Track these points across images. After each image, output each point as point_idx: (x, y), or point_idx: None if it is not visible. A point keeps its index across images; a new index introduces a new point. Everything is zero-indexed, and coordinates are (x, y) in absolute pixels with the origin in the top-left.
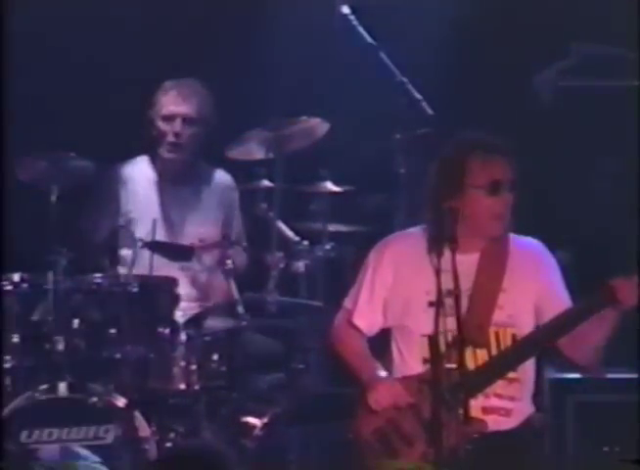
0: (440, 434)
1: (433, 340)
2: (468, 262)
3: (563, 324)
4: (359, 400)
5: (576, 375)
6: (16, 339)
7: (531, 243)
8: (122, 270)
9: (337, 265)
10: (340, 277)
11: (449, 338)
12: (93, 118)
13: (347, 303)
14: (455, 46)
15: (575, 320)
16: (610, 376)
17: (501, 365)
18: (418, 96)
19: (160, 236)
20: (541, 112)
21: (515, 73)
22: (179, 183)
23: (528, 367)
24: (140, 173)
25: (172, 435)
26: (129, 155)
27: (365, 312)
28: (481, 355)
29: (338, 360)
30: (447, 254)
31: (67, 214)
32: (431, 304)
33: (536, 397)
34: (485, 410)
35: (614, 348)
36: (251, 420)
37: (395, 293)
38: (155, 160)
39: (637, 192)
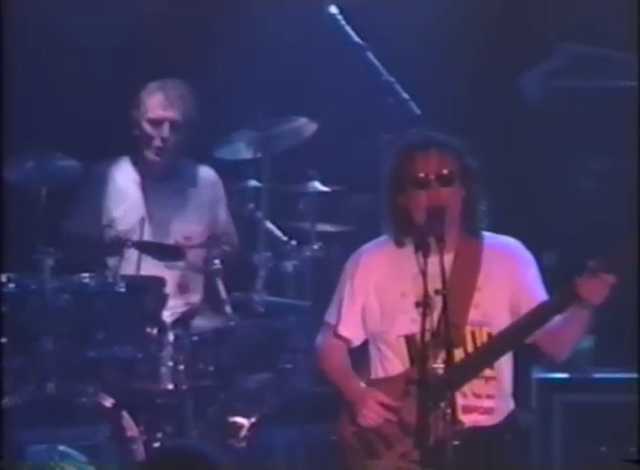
0: (422, 433)
1: (410, 341)
2: (442, 262)
3: (531, 322)
4: (341, 404)
5: (564, 375)
6: (3, 339)
7: (506, 241)
8: (110, 270)
9: (325, 265)
10: (328, 277)
11: (427, 337)
12: (79, 118)
13: (329, 318)
14: (443, 45)
15: (542, 318)
16: (597, 376)
17: (476, 363)
18: (405, 96)
19: (146, 234)
20: (528, 112)
21: (502, 73)
22: (163, 181)
23: (505, 365)
24: (123, 173)
25: (160, 435)
26: (114, 154)
27: (350, 322)
28: (458, 355)
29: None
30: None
31: (54, 215)
32: (417, 303)
33: (522, 396)
34: (464, 409)
35: (603, 348)
36: (239, 420)
37: (373, 299)
38: (137, 159)
39: (626, 191)
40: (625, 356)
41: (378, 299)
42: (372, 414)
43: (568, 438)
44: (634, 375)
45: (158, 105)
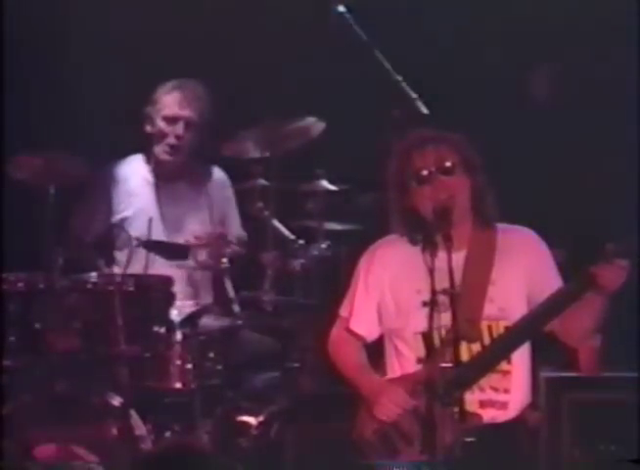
0: (435, 432)
1: (427, 338)
2: (455, 259)
3: (546, 311)
4: (360, 403)
5: (572, 373)
6: (12, 338)
7: (520, 231)
8: (118, 269)
9: (332, 264)
10: (335, 276)
11: (443, 334)
12: (89, 117)
13: (343, 311)
14: (450, 45)
15: (558, 306)
16: (605, 374)
17: (493, 356)
18: (413, 95)
19: (157, 233)
20: (536, 111)
21: (510, 72)
22: (175, 180)
23: (522, 359)
24: (134, 172)
25: (168, 433)
26: (124, 153)
27: (362, 318)
28: (475, 350)
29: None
30: (440, 253)
31: (62, 214)
32: (424, 303)
33: (532, 394)
34: (482, 404)
35: (610, 346)
36: (247, 419)
37: (388, 296)
38: (149, 157)
39: (631, 190)
40: (634, 354)
41: (393, 295)
42: (390, 406)
43: (576, 436)
44: None
45: (174, 103)
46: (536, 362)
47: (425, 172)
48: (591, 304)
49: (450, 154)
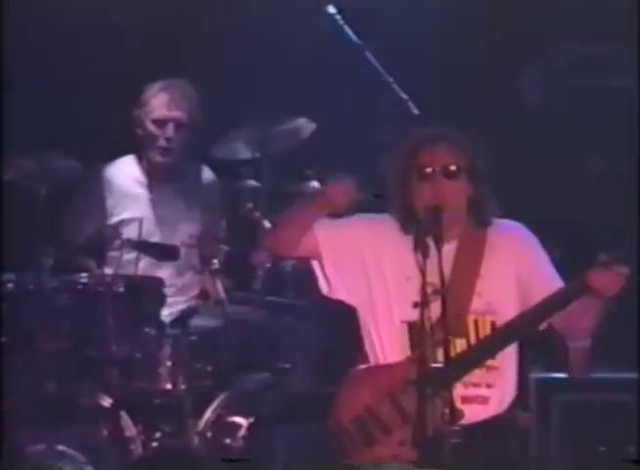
0: (416, 423)
1: (413, 327)
2: (445, 252)
3: (540, 313)
4: (338, 390)
5: (561, 375)
6: (2, 339)
7: (510, 225)
8: (109, 270)
9: None
10: None
11: (429, 326)
12: (80, 118)
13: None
14: (441, 46)
15: (552, 309)
16: (595, 376)
17: (479, 354)
18: (404, 96)
19: (152, 235)
20: (527, 112)
21: (501, 73)
22: (167, 182)
23: (508, 355)
24: (126, 173)
25: (158, 434)
26: (115, 154)
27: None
28: (460, 344)
29: (323, 359)
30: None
31: (53, 214)
32: (415, 304)
33: (521, 396)
34: (465, 400)
35: (601, 348)
36: (238, 420)
37: (378, 279)
38: (141, 159)
39: (623, 191)
40: (624, 356)
41: (383, 281)
42: (338, 197)
43: (565, 437)
44: (632, 375)
45: (162, 105)
46: (526, 363)
47: (428, 170)
48: (589, 306)
49: (458, 157)
